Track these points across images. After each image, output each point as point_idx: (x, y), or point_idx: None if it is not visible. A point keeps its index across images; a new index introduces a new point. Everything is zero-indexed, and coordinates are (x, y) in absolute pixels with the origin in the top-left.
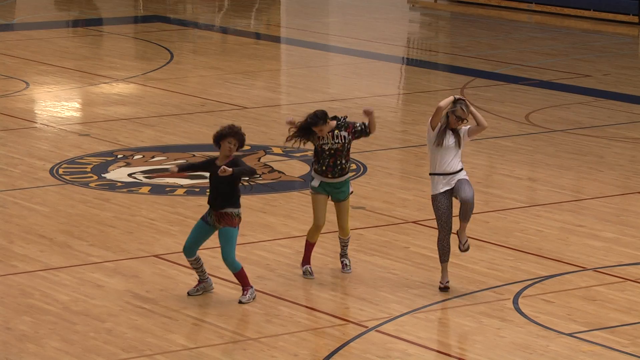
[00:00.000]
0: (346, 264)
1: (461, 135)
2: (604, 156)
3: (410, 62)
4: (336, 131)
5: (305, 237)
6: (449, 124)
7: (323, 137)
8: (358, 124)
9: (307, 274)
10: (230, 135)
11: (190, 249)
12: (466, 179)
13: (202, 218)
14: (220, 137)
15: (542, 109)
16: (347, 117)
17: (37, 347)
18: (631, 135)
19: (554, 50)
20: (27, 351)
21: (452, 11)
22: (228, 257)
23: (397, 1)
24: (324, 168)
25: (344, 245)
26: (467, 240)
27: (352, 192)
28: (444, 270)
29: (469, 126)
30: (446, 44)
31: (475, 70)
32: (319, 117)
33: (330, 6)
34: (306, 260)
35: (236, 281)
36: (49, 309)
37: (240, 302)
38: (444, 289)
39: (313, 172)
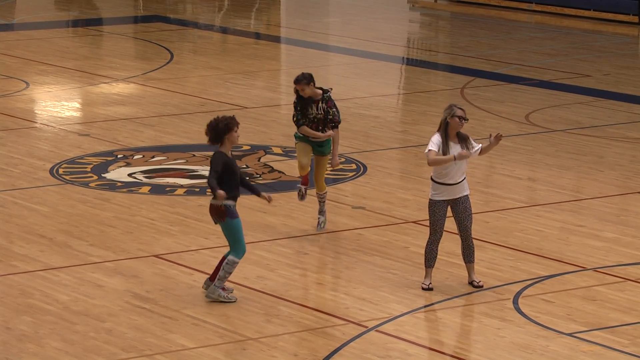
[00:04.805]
0: (320, 222)
1: (470, 149)
2: (604, 156)
3: (410, 62)
4: (320, 103)
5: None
6: (450, 130)
7: (311, 108)
8: (333, 112)
9: (300, 193)
10: (236, 124)
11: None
12: (467, 203)
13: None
14: (227, 130)
15: (542, 108)
16: (331, 89)
17: (37, 347)
18: (631, 135)
19: (554, 50)
20: (27, 351)
21: (452, 11)
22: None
23: (397, 1)
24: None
25: (321, 200)
26: (480, 280)
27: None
28: (427, 275)
29: (480, 145)
30: (446, 44)
31: (475, 70)
32: (304, 76)
33: (330, 6)
34: (305, 181)
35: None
36: (49, 309)
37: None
38: (428, 289)
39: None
